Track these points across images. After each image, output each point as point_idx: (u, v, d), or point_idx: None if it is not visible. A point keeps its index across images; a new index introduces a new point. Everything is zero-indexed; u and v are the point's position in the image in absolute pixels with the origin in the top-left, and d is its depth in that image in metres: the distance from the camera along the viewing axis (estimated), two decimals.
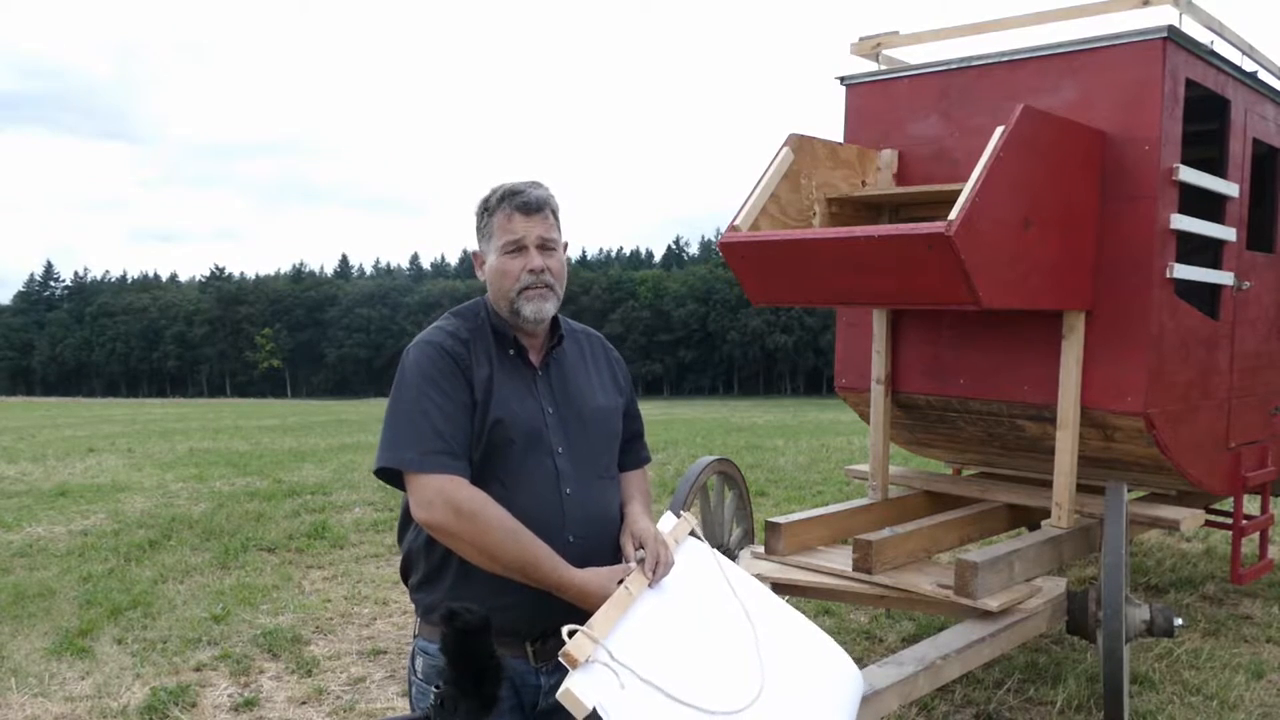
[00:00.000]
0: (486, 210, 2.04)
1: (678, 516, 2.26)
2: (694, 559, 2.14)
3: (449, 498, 1.85)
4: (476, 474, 1.93)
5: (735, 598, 2.10)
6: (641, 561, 1.97)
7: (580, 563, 1.92)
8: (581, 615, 1.83)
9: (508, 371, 2.02)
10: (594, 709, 1.63)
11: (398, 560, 6.81)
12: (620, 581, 1.90)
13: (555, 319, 2.12)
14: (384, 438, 1.94)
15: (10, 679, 4.20)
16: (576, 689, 1.64)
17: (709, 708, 1.78)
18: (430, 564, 2.00)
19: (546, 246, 2.01)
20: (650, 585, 1.94)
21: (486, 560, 1.87)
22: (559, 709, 2.00)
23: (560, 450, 2.01)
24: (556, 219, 2.05)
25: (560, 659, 1.69)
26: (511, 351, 2.04)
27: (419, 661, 2.04)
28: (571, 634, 1.71)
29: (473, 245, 2.12)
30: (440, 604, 1.86)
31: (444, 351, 1.96)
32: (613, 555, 2.04)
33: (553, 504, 1.97)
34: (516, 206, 1.99)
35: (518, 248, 1.99)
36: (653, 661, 1.77)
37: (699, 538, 2.22)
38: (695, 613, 2.00)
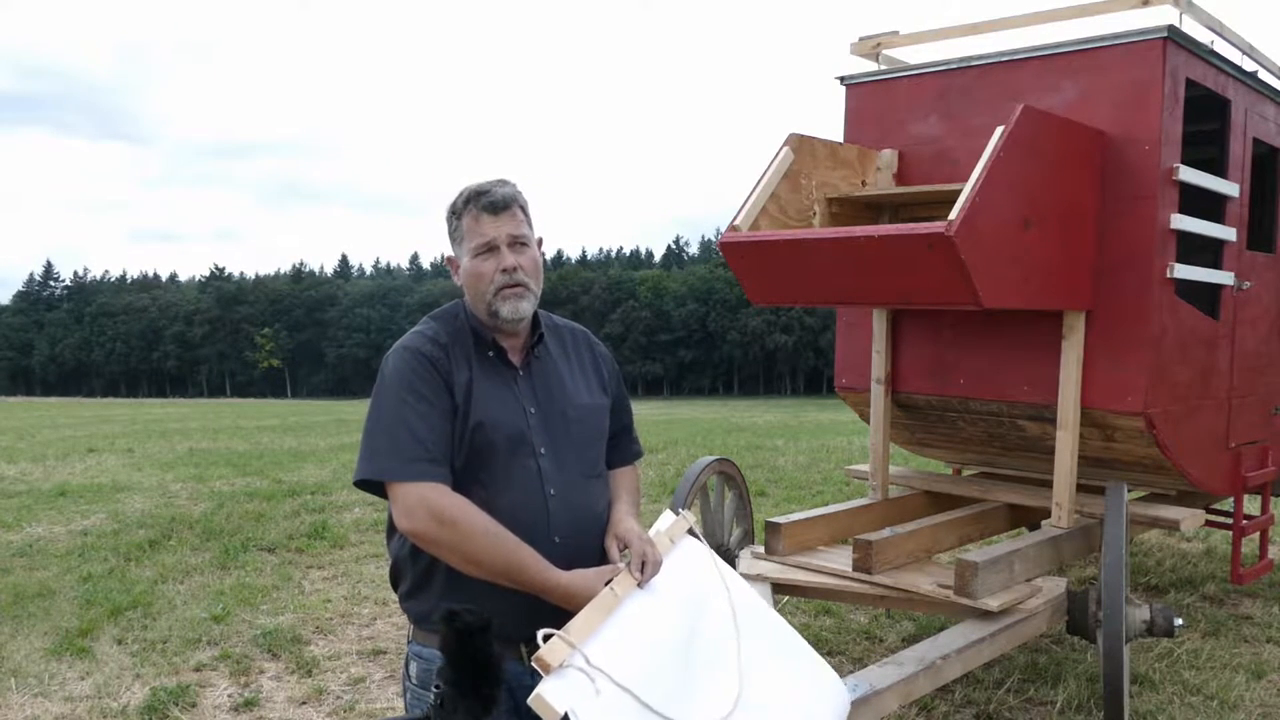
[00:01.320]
0: (455, 214, 2.02)
1: (676, 514, 2.24)
2: (689, 558, 2.11)
3: (430, 505, 1.84)
4: (459, 478, 1.92)
5: (728, 601, 2.07)
6: (629, 563, 1.95)
7: (567, 564, 1.91)
8: (570, 618, 1.82)
9: (488, 373, 2.00)
10: (565, 715, 1.61)
11: None
12: (607, 583, 1.88)
13: (536, 317, 2.10)
14: (364, 447, 1.92)
15: (10, 679, 4.20)
16: (548, 694, 1.62)
17: (680, 718, 1.75)
18: (417, 572, 1.99)
19: (518, 244, 1.99)
20: (640, 585, 1.92)
21: (471, 566, 1.86)
22: None
23: (543, 451, 2.00)
24: (526, 214, 2.03)
25: (533, 664, 1.66)
26: (491, 353, 2.03)
27: (413, 666, 2.03)
28: (547, 638, 1.68)
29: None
30: (430, 611, 1.85)
31: (423, 357, 1.95)
32: (600, 555, 2.02)
33: (537, 505, 1.96)
34: (483, 207, 1.97)
35: (489, 248, 1.98)
36: (630, 667, 1.74)
37: (697, 536, 2.20)
38: (682, 616, 1.97)
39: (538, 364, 2.09)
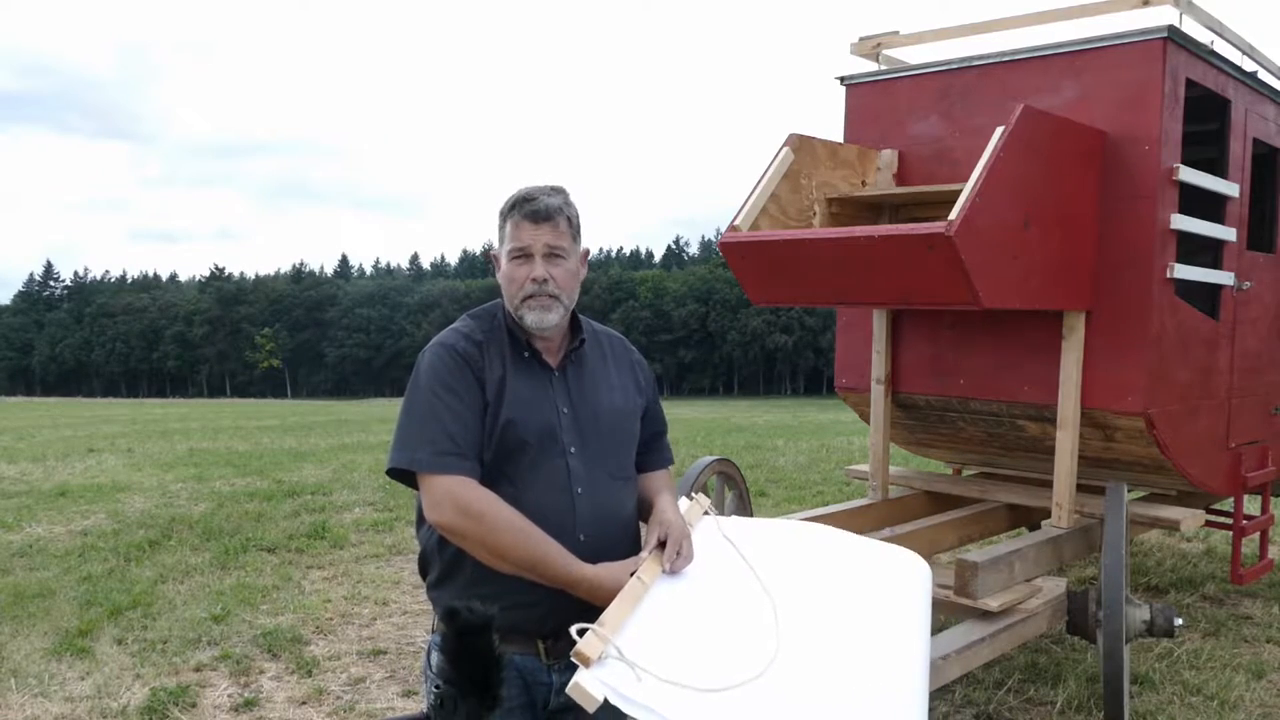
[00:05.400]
0: (502, 215, 2.06)
1: (690, 498, 2.28)
2: (708, 539, 2.14)
3: (457, 498, 1.88)
4: (488, 474, 1.95)
5: (749, 570, 2.08)
6: (660, 546, 1.99)
7: (591, 561, 1.93)
8: (594, 612, 1.83)
9: (522, 372, 2.04)
10: (604, 700, 1.64)
11: (397, 560, 6.80)
12: (633, 573, 1.91)
13: (576, 321, 2.14)
14: (396, 438, 1.97)
15: (10, 679, 4.20)
16: (586, 682, 1.64)
17: (728, 683, 1.76)
18: (444, 563, 2.02)
19: (554, 255, 2.02)
20: (667, 572, 1.95)
21: (497, 560, 1.89)
22: (570, 708, 2.01)
23: (573, 450, 2.03)
24: (571, 226, 2.04)
25: (573, 659, 1.69)
26: (526, 353, 2.06)
27: (434, 658, 2.05)
28: (581, 632, 1.70)
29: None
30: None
31: (456, 354, 1.99)
32: (624, 555, 2.05)
33: (564, 503, 1.99)
34: (525, 214, 2.00)
35: (523, 255, 2.01)
36: (665, 656, 1.76)
37: (709, 513, 2.24)
38: (711, 598, 1.98)
39: (574, 367, 2.12)
